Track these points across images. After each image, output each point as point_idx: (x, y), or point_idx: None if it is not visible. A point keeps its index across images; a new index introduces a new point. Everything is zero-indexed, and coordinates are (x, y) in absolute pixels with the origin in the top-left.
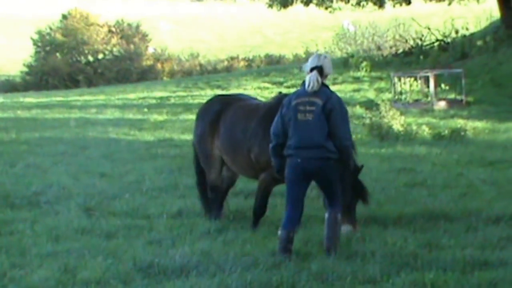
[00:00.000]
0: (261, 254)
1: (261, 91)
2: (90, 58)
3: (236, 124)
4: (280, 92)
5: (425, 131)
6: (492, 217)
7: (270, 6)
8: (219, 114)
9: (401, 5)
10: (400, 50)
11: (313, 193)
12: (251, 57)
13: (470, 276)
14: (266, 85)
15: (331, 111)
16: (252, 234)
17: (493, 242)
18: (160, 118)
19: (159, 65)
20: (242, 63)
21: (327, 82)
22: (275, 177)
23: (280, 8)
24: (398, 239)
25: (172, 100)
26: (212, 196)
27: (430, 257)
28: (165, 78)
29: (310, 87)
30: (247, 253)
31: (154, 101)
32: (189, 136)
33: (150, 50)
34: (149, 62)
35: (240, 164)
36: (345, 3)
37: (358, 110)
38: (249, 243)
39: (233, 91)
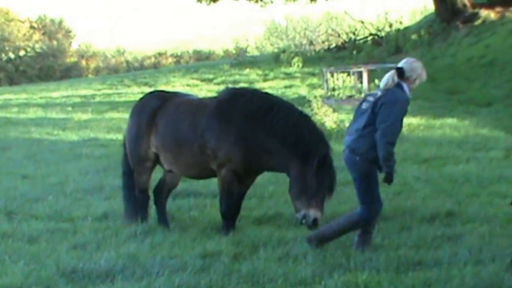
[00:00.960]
0: (189, 257)
1: (190, 88)
2: (11, 55)
3: (181, 119)
4: (227, 86)
5: None
6: (426, 215)
7: (199, 0)
8: (157, 110)
9: None
10: (333, 45)
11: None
12: (179, 53)
13: (404, 276)
14: (195, 81)
15: (380, 107)
16: (180, 237)
17: (428, 242)
18: (85, 117)
19: (83, 62)
20: (170, 60)
21: None
22: (236, 172)
23: (210, 2)
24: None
25: (97, 98)
26: (141, 198)
27: (363, 257)
28: (90, 75)
29: (383, 85)
30: (175, 256)
31: (78, 100)
32: (115, 136)
33: (74, 47)
34: (73, 59)
35: (186, 161)
36: None
37: None
38: (177, 245)
39: (160, 88)
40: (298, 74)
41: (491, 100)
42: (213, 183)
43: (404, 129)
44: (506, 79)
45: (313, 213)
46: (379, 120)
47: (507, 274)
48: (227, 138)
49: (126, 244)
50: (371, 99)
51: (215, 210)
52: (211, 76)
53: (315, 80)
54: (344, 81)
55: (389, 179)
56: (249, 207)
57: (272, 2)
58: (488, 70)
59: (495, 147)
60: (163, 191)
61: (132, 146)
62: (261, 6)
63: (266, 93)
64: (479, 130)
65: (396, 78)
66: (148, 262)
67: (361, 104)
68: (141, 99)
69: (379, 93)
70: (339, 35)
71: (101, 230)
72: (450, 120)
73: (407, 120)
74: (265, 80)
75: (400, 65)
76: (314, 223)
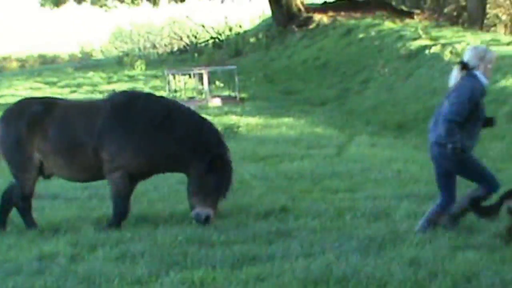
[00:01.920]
0: (25, 260)
1: (32, 91)
2: None
3: (74, 122)
4: (113, 90)
5: None
6: (261, 212)
7: (43, 5)
8: (41, 115)
9: (176, 2)
10: (176, 48)
11: (85, 194)
12: (24, 57)
13: (238, 272)
14: (39, 85)
15: (452, 92)
16: (17, 239)
17: (262, 237)
18: None
19: None
20: (14, 64)
21: None
22: (131, 175)
23: (54, 7)
24: (168, 238)
25: None
26: (24, 206)
27: (200, 254)
28: None
29: (451, 83)
30: (10, 259)
31: None
32: None
33: None
34: None
35: (78, 165)
36: (120, 2)
37: None
38: (13, 248)
39: (4, 92)
40: (141, 77)
41: (324, 100)
42: (53, 185)
43: (243, 129)
44: (338, 80)
45: (206, 211)
46: (452, 102)
47: (335, 265)
48: (128, 143)
49: None
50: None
51: (53, 212)
52: (55, 80)
53: (158, 82)
54: (186, 83)
55: (455, 154)
56: (89, 208)
57: (116, 7)
58: (322, 71)
59: (328, 144)
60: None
61: (13, 154)
62: (105, 10)
63: (161, 97)
64: (314, 129)
65: (460, 72)
66: None
67: (442, 103)
68: (14, 106)
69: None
70: (181, 39)
71: None
72: (286, 119)
73: (246, 120)
74: (109, 83)
75: (463, 58)
76: (207, 220)
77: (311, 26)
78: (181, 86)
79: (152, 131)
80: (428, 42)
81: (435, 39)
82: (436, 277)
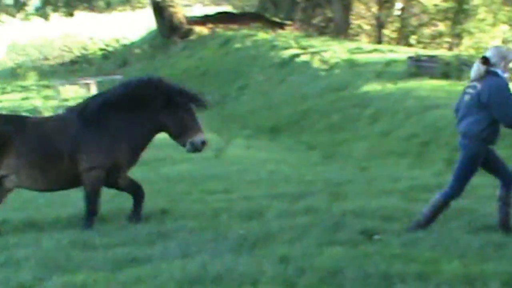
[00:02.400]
0: None
1: None
2: None
3: (47, 136)
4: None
5: None
6: (143, 214)
7: None
8: (11, 134)
9: (66, 16)
10: (67, 60)
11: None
12: None
13: (119, 274)
14: None
15: (489, 97)
16: None
17: (143, 239)
18: None
19: None
20: None
21: None
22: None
23: None
24: (53, 242)
25: None
26: None
27: (83, 257)
28: None
29: (474, 76)
30: None
31: None
32: None
33: None
34: None
35: (55, 174)
36: (13, 17)
37: None
38: None
39: None
40: (34, 87)
41: None
42: None
43: None
44: (217, 87)
45: (198, 138)
46: (497, 109)
47: (210, 265)
48: (100, 143)
49: None
50: (471, 91)
51: None
52: None
53: (49, 92)
54: (75, 92)
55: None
56: (10, 209)
57: (3, 22)
58: (202, 79)
59: (207, 148)
60: None
61: None
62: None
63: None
64: None
65: (482, 67)
66: None
67: (463, 97)
68: None
69: (478, 85)
70: (71, 51)
71: None
72: None
73: None
74: (2, 93)
75: (486, 54)
76: (203, 144)
77: (192, 37)
78: (70, 95)
79: (120, 124)
80: (298, 51)
81: (304, 48)
82: (304, 273)
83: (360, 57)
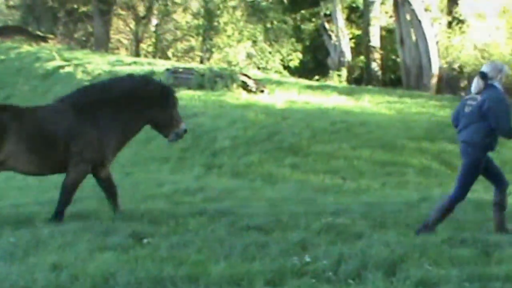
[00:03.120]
0: None
1: None
2: None
3: (46, 123)
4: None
5: None
6: None
7: None
8: (9, 120)
9: None
10: None
11: None
12: None
13: None
14: None
15: (489, 109)
16: None
17: None
18: None
19: None
20: None
21: None
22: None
23: None
24: None
25: None
26: None
27: None
28: None
29: (475, 90)
30: None
31: None
32: None
33: None
34: None
35: (51, 160)
36: None
37: None
38: None
39: None
40: None
41: None
42: None
43: None
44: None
45: (181, 127)
46: (494, 119)
47: None
48: (95, 144)
49: None
50: (473, 103)
51: None
52: None
53: None
54: None
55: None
56: None
57: None
58: None
59: None
60: None
61: None
62: None
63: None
64: None
65: (481, 82)
66: None
67: (463, 108)
68: None
69: (478, 97)
70: None
71: None
72: None
73: None
74: None
75: (482, 69)
76: (185, 132)
77: None
78: None
79: (113, 120)
80: (62, 63)
81: (68, 60)
82: (77, 280)
83: (121, 69)
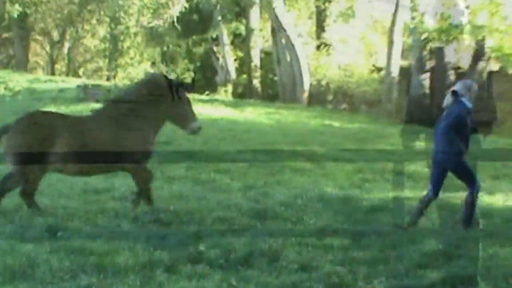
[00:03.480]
0: None
1: None
2: None
3: (87, 131)
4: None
5: None
6: None
7: None
8: (56, 127)
9: None
10: None
11: None
12: None
13: None
14: None
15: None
16: None
17: None
18: None
19: None
20: None
21: None
22: None
23: None
24: None
25: None
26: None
27: None
28: None
29: (444, 105)
30: None
31: None
32: None
33: None
34: None
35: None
36: None
37: None
38: None
39: None
40: None
41: None
42: None
43: None
44: None
45: (193, 124)
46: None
47: None
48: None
49: None
50: (445, 114)
51: None
52: None
53: None
54: None
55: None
56: None
57: None
58: None
59: None
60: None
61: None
62: None
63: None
64: None
65: (450, 98)
66: None
67: (440, 121)
68: (25, 118)
69: (448, 111)
70: None
71: None
72: None
73: None
74: None
75: (455, 88)
76: (200, 129)
77: None
78: None
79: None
80: None
81: None
82: None
83: (38, 86)
